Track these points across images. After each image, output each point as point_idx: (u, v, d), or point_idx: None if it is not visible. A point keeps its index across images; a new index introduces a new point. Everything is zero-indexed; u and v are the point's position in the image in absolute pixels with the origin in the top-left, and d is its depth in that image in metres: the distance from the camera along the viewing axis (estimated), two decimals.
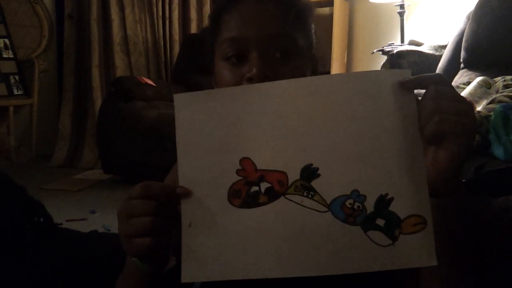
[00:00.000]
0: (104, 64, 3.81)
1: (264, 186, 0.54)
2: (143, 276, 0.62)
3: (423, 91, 0.54)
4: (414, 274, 0.59)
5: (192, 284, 0.72)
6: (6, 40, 3.58)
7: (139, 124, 2.77)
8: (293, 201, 0.53)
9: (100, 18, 3.76)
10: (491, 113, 1.25)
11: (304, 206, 0.53)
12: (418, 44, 2.52)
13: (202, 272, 0.54)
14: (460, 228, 0.55)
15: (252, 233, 0.53)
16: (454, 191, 0.54)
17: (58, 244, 0.98)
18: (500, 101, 1.41)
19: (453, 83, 1.97)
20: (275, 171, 0.53)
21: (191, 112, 0.55)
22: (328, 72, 3.17)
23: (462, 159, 0.52)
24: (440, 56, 2.27)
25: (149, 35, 3.79)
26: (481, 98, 1.47)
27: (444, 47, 2.32)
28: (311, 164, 0.53)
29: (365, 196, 0.52)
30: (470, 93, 1.48)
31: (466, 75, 1.95)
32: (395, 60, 2.35)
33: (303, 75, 0.70)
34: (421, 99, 0.53)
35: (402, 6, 2.79)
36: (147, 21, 3.78)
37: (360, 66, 3.41)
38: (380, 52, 2.54)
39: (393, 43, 2.62)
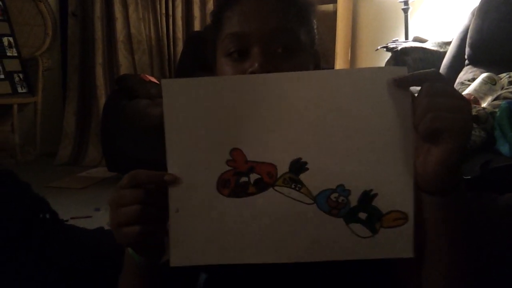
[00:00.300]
0: (108, 62, 3.82)
1: (253, 177, 0.55)
2: (140, 269, 0.62)
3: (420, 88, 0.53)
4: (414, 272, 0.59)
5: (196, 282, 0.73)
6: (10, 39, 3.60)
7: (143, 122, 2.78)
8: (281, 193, 0.55)
9: (103, 16, 3.77)
10: (497, 110, 1.24)
11: (291, 198, 0.55)
12: (423, 40, 2.51)
13: (191, 256, 0.56)
14: (460, 226, 0.55)
15: (239, 221, 0.55)
16: (453, 189, 0.53)
17: (64, 241, 0.98)
18: (505, 98, 1.40)
19: (457, 80, 1.97)
20: (265, 163, 0.54)
21: (181, 99, 0.54)
22: (332, 69, 3.17)
23: (458, 156, 0.51)
24: (445, 53, 2.26)
25: (152, 33, 3.79)
26: (486, 94, 1.47)
27: (448, 43, 2.31)
28: (300, 158, 0.54)
29: (350, 191, 0.54)
30: (475, 90, 1.48)
31: (471, 72, 1.94)
32: (399, 56, 2.34)
33: (305, 70, 0.70)
34: (416, 96, 0.53)
35: (406, 3, 2.78)
36: (151, 19, 3.78)
37: (364, 62, 3.40)
38: (384, 49, 2.53)
39: (397, 40, 2.61)
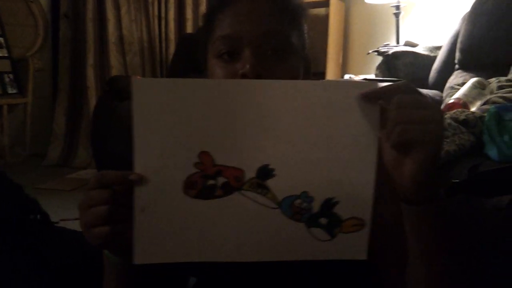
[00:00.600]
0: (99, 64, 3.80)
1: (220, 180, 0.55)
2: (117, 270, 0.63)
3: None
4: (401, 276, 0.60)
5: (185, 285, 0.73)
6: (1, 39, 3.57)
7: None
8: (247, 197, 0.56)
9: (95, 18, 3.76)
10: (485, 114, 1.25)
11: (257, 202, 0.56)
12: (414, 45, 2.53)
13: (154, 254, 0.57)
14: (438, 233, 0.55)
15: (204, 221, 0.56)
16: (429, 199, 0.53)
17: (55, 242, 0.98)
18: (494, 102, 1.41)
19: (447, 84, 1.98)
20: (233, 167, 0.55)
21: (151, 98, 0.55)
22: (323, 73, 3.18)
23: (431, 166, 0.51)
24: (435, 57, 2.28)
25: (144, 35, 3.78)
26: (475, 99, 1.48)
27: (439, 48, 2.33)
28: (268, 165, 0.55)
29: (313, 198, 0.56)
30: (465, 94, 1.49)
31: (461, 76, 1.96)
32: (391, 60, 2.36)
33: (296, 73, 0.70)
34: (387, 109, 0.53)
35: (397, 7, 2.80)
36: (143, 20, 3.77)
37: (356, 66, 3.41)
38: (376, 53, 2.55)
39: (388, 44, 2.63)
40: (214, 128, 0.55)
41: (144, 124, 0.55)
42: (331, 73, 3.21)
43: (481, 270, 0.81)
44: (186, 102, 0.55)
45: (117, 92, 2.95)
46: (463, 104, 1.45)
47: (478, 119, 1.26)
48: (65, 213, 2.27)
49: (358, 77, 2.47)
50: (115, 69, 3.73)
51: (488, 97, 1.47)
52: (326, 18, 3.27)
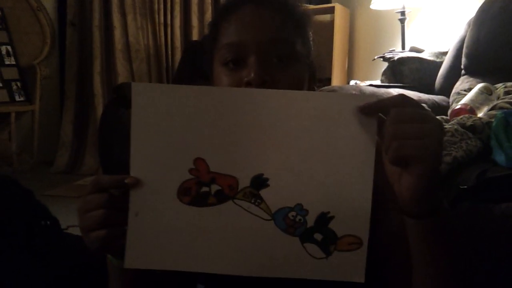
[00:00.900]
0: (106, 71, 3.82)
1: (214, 188, 0.56)
2: (121, 274, 0.63)
3: None
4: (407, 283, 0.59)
5: (195, 286, 0.73)
6: (9, 47, 3.60)
7: None
8: (240, 206, 0.56)
9: (102, 25, 3.78)
10: (492, 120, 1.25)
11: (250, 212, 0.56)
12: (419, 50, 2.52)
13: (145, 260, 0.57)
14: (441, 245, 0.54)
15: (196, 230, 0.56)
16: (430, 212, 0.52)
17: (65, 248, 0.99)
18: (501, 108, 1.41)
19: (454, 90, 1.98)
20: (227, 175, 0.55)
21: (150, 103, 0.55)
22: (329, 79, 3.18)
23: (430, 180, 0.51)
24: (441, 63, 2.27)
25: (150, 42, 3.80)
26: (482, 104, 1.47)
27: (445, 53, 2.32)
28: (262, 174, 0.55)
29: (307, 211, 0.55)
30: (471, 100, 1.49)
31: (467, 82, 1.95)
32: (396, 66, 2.35)
33: (301, 80, 0.71)
34: (384, 123, 0.53)
35: (403, 13, 2.80)
36: (149, 28, 3.79)
37: (361, 72, 3.41)
38: (381, 59, 2.55)
39: (394, 50, 2.63)
40: (211, 135, 0.55)
41: (141, 128, 0.55)
42: (336, 79, 3.21)
43: (489, 278, 0.80)
44: (184, 108, 0.55)
45: (123, 99, 2.97)
46: (470, 109, 1.44)
47: (485, 124, 1.25)
48: (73, 220, 2.26)
49: (364, 83, 2.47)
50: (122, 76, 3.75)
51: (495, 102, 1.46)
52: (331, 24, 3.28)
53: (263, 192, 0.55)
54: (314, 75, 0.77)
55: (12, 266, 0.90)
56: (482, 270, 0.62)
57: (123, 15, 3.74)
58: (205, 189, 0.56)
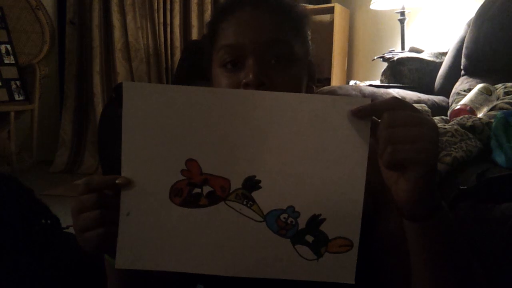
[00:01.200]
0: (106, 70, 3.83)
1: (206, 189, 0.55)
2: (118, 272, 0.63)
3: None
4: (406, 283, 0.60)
5: (195, 286, 0.73)
6: (8, 46, 3.59)
7: None
8: (232, 208, 0.56)
9: (101, 25, 3.78)
10: (492, 120, 1.25)
11: (242, 214, 0.56)
12: (419, 51, 2.53)
13: (136, 260, 0.56)
14: (439, 246, 0.54)
15: (188, 231, 0.56)
16: (428, 215, 0.52)
17: (65, 247, 0.99)
18: (501, 108, 1.41)
19: (453, 90, 1.98)
20: (219, 177, 0.55)
21: (141, 103, 0.55)
22: (329, 79, 3.18)
23: (426, 183, 0.50)
24: (441, 63, 2.27)
25: (150, 42, 3.80)
26: (482, 105, 1.47)
27: (444, 54, 2.33)
28: (255, 176, 0.55)
29: (299, 213, 0.56)
30: (471, 100, 1.49)
31: (467, 82, 1.95)
32: (396, 67, 2.35)
33: (300, 81, 0.71)
34: (378, 127, 0.53)
35: (402, 13, 2.80)
36: (149, 27, 3.79)
37: (361, 72, 3.41)
38: (381, 59, 2.55)
39: (393, 50, 2.63)
40: (203, 136, 0.55)
41: (133, 128, 0.55)
42: (336, 79, 3.21)
43: (489, 279, 0.81)
44: (177, 108, 0.54)
45: (123, 98, 2.96)
46: (469, 110, 1.44)
47: (485, 125, 1.25)
48: (72, 219, 2.27)
49: (364, 83, 2.47)
50: (121, 75, 3.75)
51: (495, 103, 1.46)
52: (331, 24, 3.28)
53: (255, 194, 0.55)
54: (313, 76, 0.77)
55: (12, 265, 0.90)
56: (482, 270, 0.62)
57: (123, 14, 3.74)
58: (197, 190, 0.55)
